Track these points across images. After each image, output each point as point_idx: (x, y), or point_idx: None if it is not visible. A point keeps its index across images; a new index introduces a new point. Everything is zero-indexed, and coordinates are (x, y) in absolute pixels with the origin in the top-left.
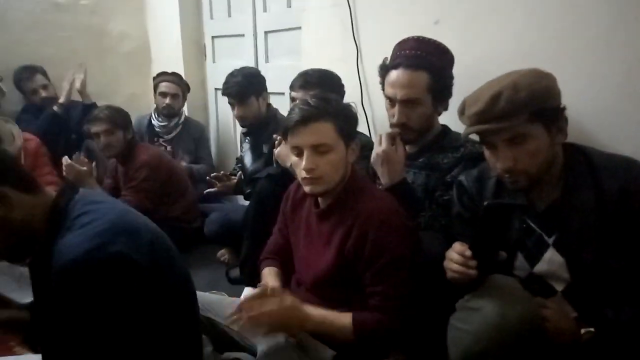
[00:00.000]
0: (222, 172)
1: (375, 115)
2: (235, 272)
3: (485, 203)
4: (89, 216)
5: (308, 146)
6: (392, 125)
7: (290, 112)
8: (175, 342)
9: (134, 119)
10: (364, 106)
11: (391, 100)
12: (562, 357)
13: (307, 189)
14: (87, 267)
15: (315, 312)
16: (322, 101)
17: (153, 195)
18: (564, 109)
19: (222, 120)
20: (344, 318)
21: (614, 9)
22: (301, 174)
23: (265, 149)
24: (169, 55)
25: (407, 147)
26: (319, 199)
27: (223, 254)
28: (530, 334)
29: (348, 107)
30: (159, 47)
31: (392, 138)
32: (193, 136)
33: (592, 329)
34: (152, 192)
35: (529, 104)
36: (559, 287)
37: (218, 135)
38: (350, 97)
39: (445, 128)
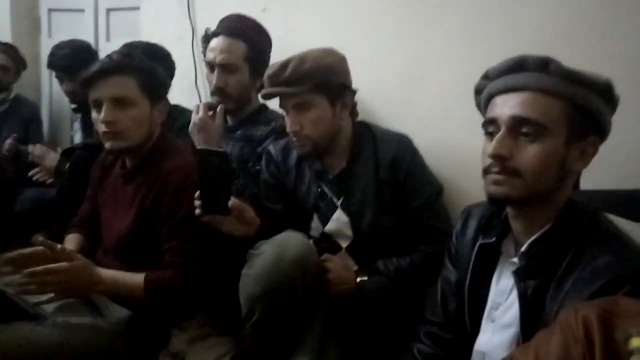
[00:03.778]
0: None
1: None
2: None
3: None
4: None
5: (107, 99)
6: (212, 93)
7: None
8: None
9: None
10: (198, 86)
11: (211, 66)
12: (340, 305)
13: (107, 145)
14: None
15: (108, 272)
16: (124, 55)
17: None
18: (349, 87)
19: (56, 100)
20: (137, 277)
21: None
22: (100, 128)
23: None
24: None
25: (228, 120)
26: (126, 161)
27: (38, 237)
28: (304, 274)
29: (154, 66)
30: None
31: (209, 107)
32: (24, 116)
33: (365, 277)
34: None
35: (312, 75)
36: (344, 244)
37: (51, 116)
38: (185, 77)
39: (263, 105)
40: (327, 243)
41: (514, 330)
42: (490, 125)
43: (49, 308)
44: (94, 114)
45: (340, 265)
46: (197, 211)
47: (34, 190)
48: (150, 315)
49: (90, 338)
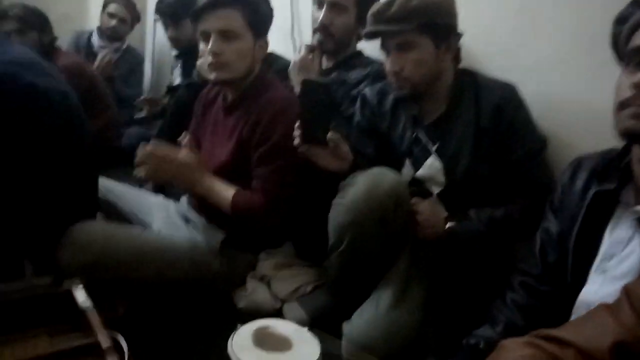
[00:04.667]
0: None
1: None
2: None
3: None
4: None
5: (215, 31)
6: (314, 30)
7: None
8: (68, 198)
9: (71, 36)
10: (294, 36)
11: (320, 3)
12: (426, 248)
13: (212, 76)
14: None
15: (210, 179)
16: None
17: None
18: (454, 29)
19: (158, 51)
20: (228, 192)
21: None
22: (207, 59)
23: (196, 74)
24: None
25: (324, 62)
26: (227, 94)
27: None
28: (396, 208)
29: (259, 1)
30: None
31: (310, 49)
32: (131, 66)
33: (454, 224)
34: None
35: (419, 13)
36: (436, 190)
37: (153, 68)
38: (281, 28)
39: (359, 51)
40: (417, 188)
41: (628, 281)
42: (636, 55)
43: (154, 224)
44: (201, 46)
45: (430, 209)
46: (296, 141)
47: (137, 128)
48: (240, 239)
49: (190, 251)
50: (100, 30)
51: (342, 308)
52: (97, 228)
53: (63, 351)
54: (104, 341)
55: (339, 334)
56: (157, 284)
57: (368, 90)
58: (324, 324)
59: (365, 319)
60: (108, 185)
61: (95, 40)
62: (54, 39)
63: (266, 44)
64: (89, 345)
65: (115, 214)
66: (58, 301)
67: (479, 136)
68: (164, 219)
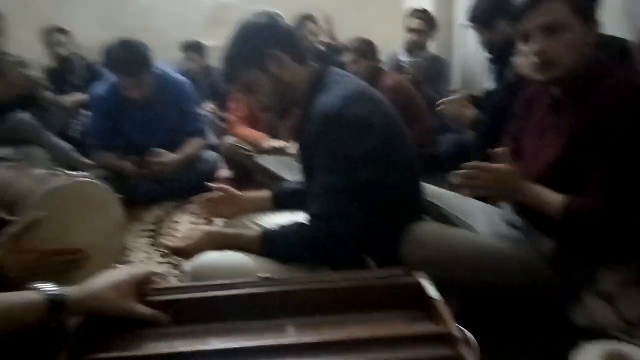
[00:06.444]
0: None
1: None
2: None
3: None
4: (340, 84)
5: (538, 28)
6: None
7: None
8: (397, 203)
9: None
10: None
11: None
12: None
13: (537, 76)
14: (333, 119)
15: (532, 186)
16: None
17: None
18: None
19: (469, 59)
20: (557, 198)
21: None
22: (531, 60)
23: (511, 74)
24: None
25: None
26: (554, 90)
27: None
28: None
29: None
30: None
31: None
32: (436, 72)
33: None
34: None
35: None
36: None
37: (463, 75)
38: (610, 4)
39: None
40: None
41: None
42: None
43: (478, 228)
44: (524, 48)
45: None
46: None
47: (453, 135)
48: (576, 249)
49: (521, 257)
50: (405, 45)
51: None
52: (433, 228)
53: (420, 335)
54: (457, 332)
55: None
56: (488, 286)
57: None
58: None
59: None
60: (431, 190)
61: (402, 56)
62: (379, 62)
63: (597, 26)
64: (442, 334)
65: (440, 216)
66: (408, 290)
67: None
68: (488, 223)
